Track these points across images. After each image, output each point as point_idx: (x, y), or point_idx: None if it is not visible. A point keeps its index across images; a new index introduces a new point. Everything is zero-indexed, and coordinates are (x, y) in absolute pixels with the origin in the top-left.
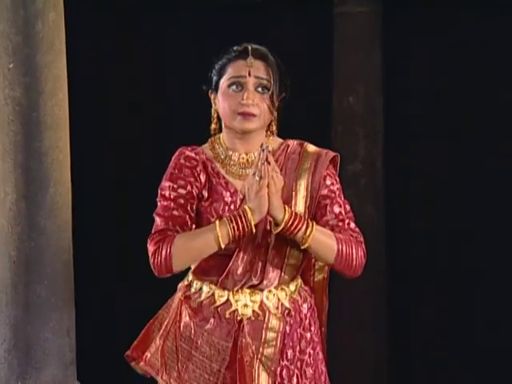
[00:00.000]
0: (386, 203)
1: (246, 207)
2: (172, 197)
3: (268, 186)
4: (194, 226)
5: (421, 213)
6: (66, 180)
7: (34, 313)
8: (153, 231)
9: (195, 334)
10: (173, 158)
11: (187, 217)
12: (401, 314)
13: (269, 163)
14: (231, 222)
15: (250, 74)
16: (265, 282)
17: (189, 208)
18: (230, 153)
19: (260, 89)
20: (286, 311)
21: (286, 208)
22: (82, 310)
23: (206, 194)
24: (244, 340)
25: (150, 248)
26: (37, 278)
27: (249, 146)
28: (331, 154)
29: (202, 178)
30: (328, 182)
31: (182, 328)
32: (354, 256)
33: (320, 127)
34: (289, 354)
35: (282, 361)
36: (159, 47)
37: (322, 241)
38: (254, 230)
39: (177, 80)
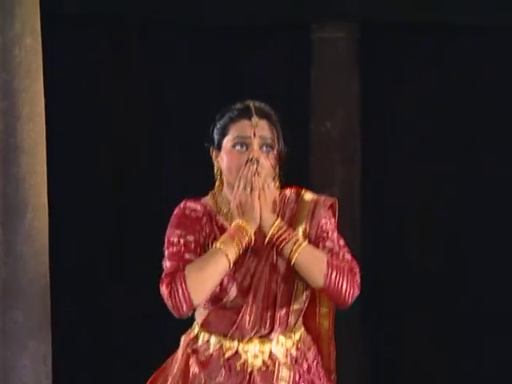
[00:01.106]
0: (363, 229)
1: (241, 222)
2: (182, 242)
3: (259, 198)
4: None
5: (398, 239)
6: (43, 205)
7: (10, 339)
8: (163, 275)
9: None
10: (177, 209)
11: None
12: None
13: (259, 175)
14: (233, 239)
15: (255, 135)
16: (274, 331)
17: (198, 252)
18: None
19: (265, 148)
20: (294, 360)
21: (277, 220)
22: (59, 335)
23: (210, 245)
24: None
25: (164, 291)
26: (14, 303)
27: None
28: (329, 200)
29: (208, 229)
30: (322, 223)
31: (190, 379)
32: (345, 284)
33: (298, 152)
34: None
35: None
36: (144, 73)
37: (311, 259)
38: (253, 242)
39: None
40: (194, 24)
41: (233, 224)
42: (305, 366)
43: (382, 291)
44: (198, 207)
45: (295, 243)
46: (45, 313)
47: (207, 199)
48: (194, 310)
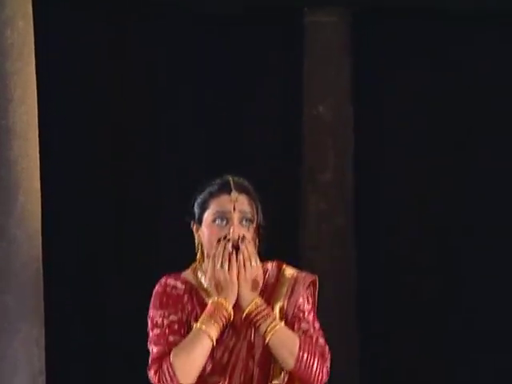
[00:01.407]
0: (356, 213)
1: (219, 299)
2: (165, 323)
3: (238, 275)
4: None
5: (391, 221)
6: (36, 189)
7: (2, 323)
8: (150, 361)
9: None
10: (157, 287)
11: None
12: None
13: (247, 250)
14: (212, 318)
15: (234, 209)
16: None
17: (182, 333)
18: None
19: (244, 222)
20: None
21: (256, 298)
22: (51, 320)
23: (193, 323)
24: None
25: (153, 377)
26: (6, 287)
27: None
28: (309, 278)
29: (189, 307)
30: (299, 302)
31: None
32: (315, 367)
33: (291, 137)
34: None
35: None
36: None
37: (285, 340)
38: (232, 318)
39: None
40: (192, 9)
41: (211, 301)
42: None
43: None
44: (179, 284)
45: (270, 324)
46: (37, 297)
47: (187, 274)
48: None
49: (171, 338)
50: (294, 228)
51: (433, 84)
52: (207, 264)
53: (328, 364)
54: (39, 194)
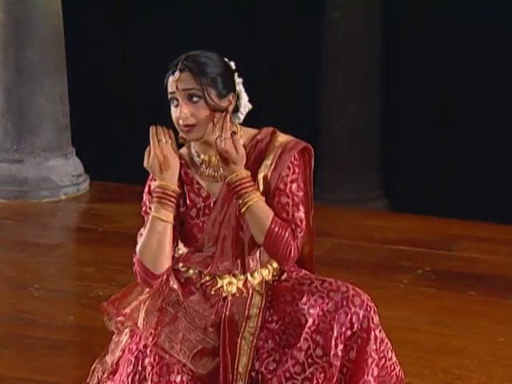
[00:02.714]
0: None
1: (159, 182)
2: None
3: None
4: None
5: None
6: None
7: (25, 78)
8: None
9: (182, 301)
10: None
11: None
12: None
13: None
14: (160, 202)
15: (177, 89)
16: (246, 272)
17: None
18: (202, 156)
19: (194, 98)
20: (269, 287)
21: (239, 171)
22: (74, 76)
23: (181, 201)
24: (228, 314)
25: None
26: (27, 42)
27: (213, 147)
28: (298, 146)
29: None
30: (284, 172)
31: (167, 292)
32: (284, 243)
33: None
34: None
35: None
36: None
37: (257, 215)
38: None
39: None
40: None
41: (154, 185)
42: (281, 284)
43: None
44: None
45: (248, 197)
46: (59, 53)
47: (182, 150)
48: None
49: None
50: None
51: None
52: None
53: (299, 241)
54: None
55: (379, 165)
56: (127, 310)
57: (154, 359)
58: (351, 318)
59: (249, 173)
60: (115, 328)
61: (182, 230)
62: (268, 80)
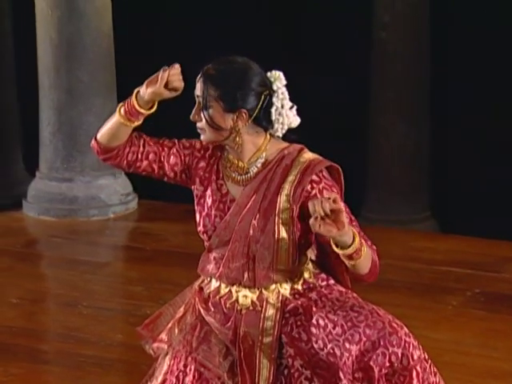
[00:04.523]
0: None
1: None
2: (173, 139)
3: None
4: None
5: None
6: None
7: (76, 98)
8: None
9: (205, 318)
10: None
11: (159, 149)
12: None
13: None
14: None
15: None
16: (256, 286)
17: (174, 151)
18: (230, 157)
19: (202, 106)
20: (285, 299)
21: (354, 231)
22: (124, 96)
23: (205, 184)
24: (242, 329)
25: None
26: (78, 63)
27: (237, 154)
28: (322, 164)
29: (208, 167)
30: (306, 189)
31: (198, 309)
32: (376, 263)
33: None
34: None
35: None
36: None
37: (368, 256)
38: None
39: None
40: None
41: (140, 88)
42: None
43: None
44: (217, 149)
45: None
46: (110, 72)
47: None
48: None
49: (162, 140)
50: None
51: None
52: None
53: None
54: None
55: (428, 186)
56: (162, 336)
57: (194, 376)
58: (390, 359)
59: (355, 232)
60: (152, 351)
61: (198, 212)
62: (319, 100)
